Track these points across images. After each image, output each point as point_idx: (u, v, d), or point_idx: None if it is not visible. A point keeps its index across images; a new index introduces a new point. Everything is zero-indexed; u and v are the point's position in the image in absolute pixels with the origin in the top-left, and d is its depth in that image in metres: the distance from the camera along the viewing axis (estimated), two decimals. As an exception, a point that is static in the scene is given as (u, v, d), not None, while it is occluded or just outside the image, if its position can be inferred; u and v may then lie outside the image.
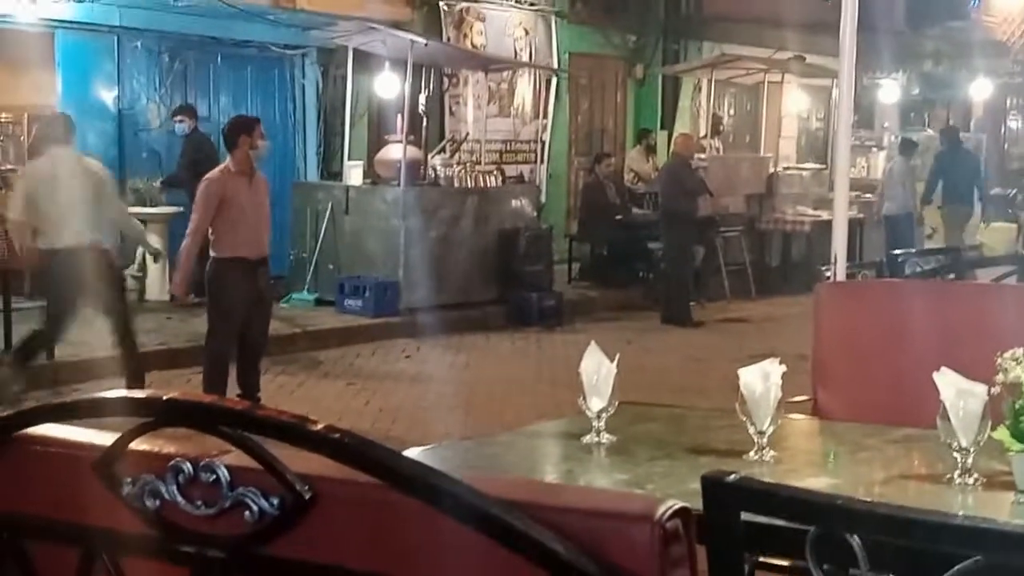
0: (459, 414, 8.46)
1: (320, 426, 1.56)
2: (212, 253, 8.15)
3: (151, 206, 12.57)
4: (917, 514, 1.37)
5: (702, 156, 14.90)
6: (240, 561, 1.65)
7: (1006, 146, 23.59)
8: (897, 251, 6.10)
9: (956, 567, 1.43)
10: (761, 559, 3.05)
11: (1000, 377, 2.80)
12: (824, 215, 15.07)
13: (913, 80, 22.79)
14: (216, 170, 8.29)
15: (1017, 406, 2.77)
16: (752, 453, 3.07)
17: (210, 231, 8.10)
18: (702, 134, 16.82)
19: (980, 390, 2.80)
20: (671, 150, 14.96)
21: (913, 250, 6.81)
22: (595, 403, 3.31)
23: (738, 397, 3.12)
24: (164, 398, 1.65)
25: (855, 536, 1.40)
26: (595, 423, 3.30)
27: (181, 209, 12.40)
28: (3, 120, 12.63)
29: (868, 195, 16.64)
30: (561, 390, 8.99)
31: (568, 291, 14.31)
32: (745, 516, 1.54)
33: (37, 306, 9.97)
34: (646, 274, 14.96)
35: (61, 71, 12.27)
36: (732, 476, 1.49)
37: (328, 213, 12.79)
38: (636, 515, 1.44)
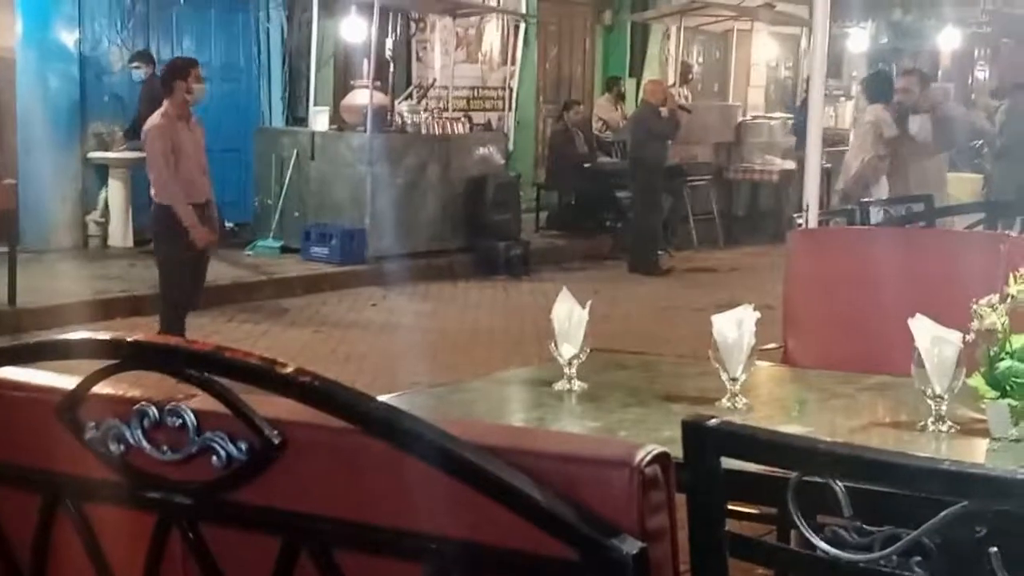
0: (426, 362, 8.42)
1: (289, 369, 1.52)
2: (158, 200, 7.94)
3: (114, 151, 12.41)
4: (902, 459, 1.34)
5: (684, 104, 14.76)
6: (207, 507, 1.61)
7: (973, 96, 23.60)
8: (868, 199, 6.09)
9: (942, 513, 1.40)
10: (731, 506, 3.03)
11: (975, 324, 2.78)
12: (792, 165, 15.06)
13: (882, 29, 22.76)
14: (156, 115, 7.98)
15: (992, 353, 2.76)
16: (724, 400, 3.05)
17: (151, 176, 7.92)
18: (671, 82, 16.72)
19: (955, 337, 2.79)
20: (640, 97, 14.88)
21: (884, 198, 6.82)
22: (566, 350, 3.27)
23: (711, 344, 3.09)
24: (129, 340, 1.61)
25: (838, 482, 1.37)
26: (566, 370, 3.27)
27: (144, 155, 12.26)
28: (-39, 62, 12.40)
29: (839, 147, 16.62)
30: (528, 339, 8.97)
31: (536, 240, 14.26)
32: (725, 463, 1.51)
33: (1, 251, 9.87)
34: (614, 223, 14.92)
35: (21, 12, 12.05)
36: (713, 420, 1.46)
37: (293, 159, 12.67)
38: (614, 460, 1.41)
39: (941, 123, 9.23)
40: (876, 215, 5.43)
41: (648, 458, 1.40)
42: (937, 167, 9.76)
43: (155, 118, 7.97)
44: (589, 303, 3.31)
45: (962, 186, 17.59)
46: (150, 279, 10.54)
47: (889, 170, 9.14)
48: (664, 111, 13.42)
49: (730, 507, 3.00)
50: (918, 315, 2.85)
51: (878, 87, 9.91)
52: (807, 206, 5.06)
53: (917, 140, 9.11)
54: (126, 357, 1.60)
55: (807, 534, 1.39)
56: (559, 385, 3.26)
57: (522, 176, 14.84)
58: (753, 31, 18.87)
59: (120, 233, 12.41)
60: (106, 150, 12.48)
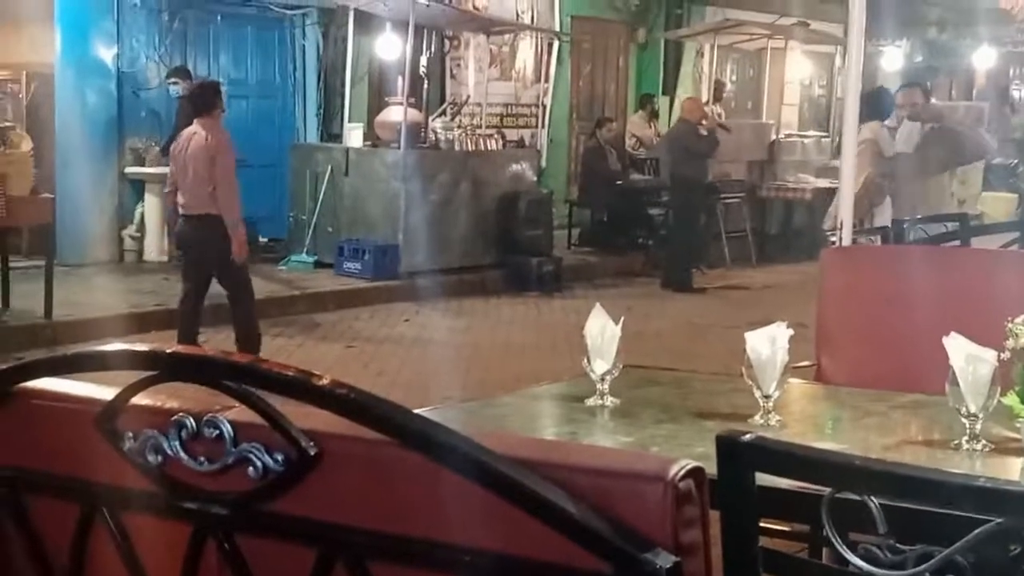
0: (458, 378, 8.44)
1: (325, 381, 1.53)
2: (207, 212, 8.11)
3: (150, 166, 12.50)
4: (937, 475, 1.34)
5: (724, 123, 14.76)
6: (243, 518, 1.62)
7: (1008, 111, 23.47)
8: (903, 218, 6.07)
9: (976, 531, 1.40)
10: (763, 524, 3.02)
11: (1010, 343, 2.76)
12: (825, 183, 15.00)
13: (916, 47, 22.68)
14: (215, 130, 8.23)
15: (1027, 372, 2.74)
16: (757, 417, 3.04)
17: (208, 189, 8.12)
18: (704, 100, 16.72)
19: (990, 355, 2.77)
20: (678, 115, 14.87)
21: (919, 216, 6.80)
22: (599, 365, 3.27)
23: (744, 361, 3.09)
24: (167, 351, 1.62)
25: (872, 498, 1.37)
26: (599, 385, 3.27)
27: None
28: (1, 78, 12.55)
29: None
30: (560, 355, 8.96)
31: (568, 256, 14.26)
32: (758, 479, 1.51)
33: (33, 264, 9.94)
34: (646, 240, 14.91)
35: (60, 28, 12.17)
36: (747, 436, 1.46)
37: (328, 175, 12.73)
38: (649, 474, 1.41)
39: (943, 139, 8.67)
40: (910, 233, 5.41)
41: (682, 472, 1.40)
42: (938, 186, 9.37)
43: (217, 133, 8.22)
44: (622, 319, 3.32)
45: (997, 205, 17.54)
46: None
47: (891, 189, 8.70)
48: (704, 129, 13.44)
49: (762, 524, 3.00)
50: (953, 333, 2.83)
51: (875, 104, 9.11)
52: (841, 223, 5.05)
53: (907, 151, 8.62)
54: (164, 368, 1.62)
55: (841, 550, 1.39)
56: (591, 401, 3.26)
57: (554, 193, 14.85)
58: (787, 49, 18.83)
59: (155, 247, 12.50)
60: (142, 165, 12.58)
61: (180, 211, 8.30)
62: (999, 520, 1.31)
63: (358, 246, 12.30)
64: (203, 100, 8.41)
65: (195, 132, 8.25)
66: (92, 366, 1.69)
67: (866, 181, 8.42)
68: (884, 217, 8.23)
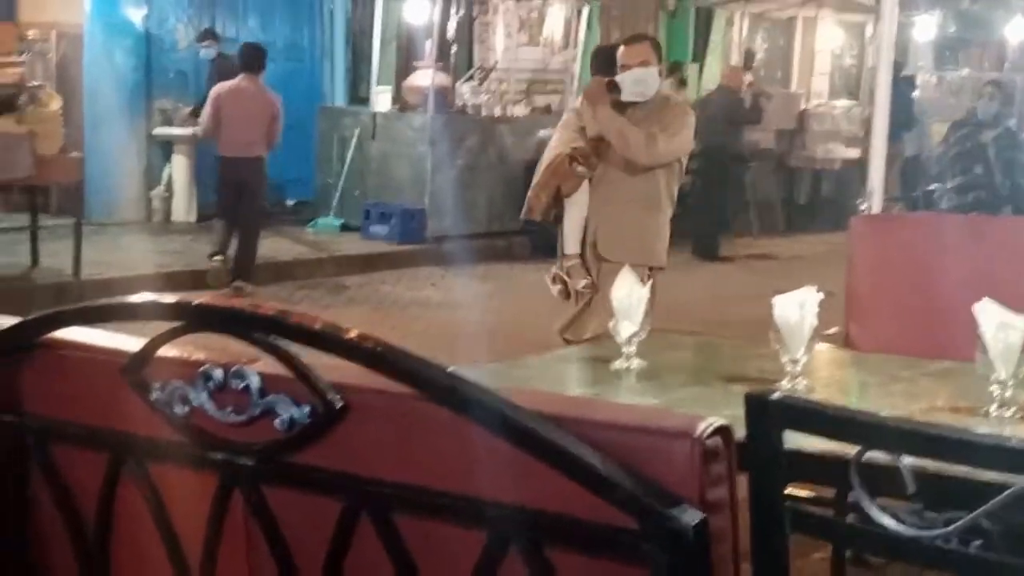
0: (484, 341, 8.43)
1: (353, 333, 1.52)
2: (254, 155, 9.77)
3: (178, 127, 12.51)
4: (968, 435, 1.32)
5: (766, 90, 14.66)
6: (270, 469, 1.62)
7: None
8: (933, 186, 6.04)
9: (1004, 494, 1.39)
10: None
11: (1042, 309, 2.74)
12: (855, 153, 14.90)
13: (949, 18, 22.43)
14: (261, 82, 9.94)
15: (1058, 339, 2.72)
16: (785, 382, 3.03)
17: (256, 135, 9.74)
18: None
19: (1020, 322, 2.75)
20: (718, 83, 14.79)
21: (950, 185, 6.82)
22: (626, 328, 3.27)
23: (772, 325, 3.07)
24: (195, 303, 1.62)
25: (903, 457, 1.36)
26: (625, 348, 3.26)
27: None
28: (31, 38, 12.55)
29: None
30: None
31: (594, 223, 14.22)
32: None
33: (62, 223, 9.98)
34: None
35: (89, -11, 12.18)
36: (777, 393, 1.45)
37: (355, 139, 12.72)
38: (676, 431, 1.41)
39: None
40: (941, 201, 5.37)
41: (710, 430, 1.39)
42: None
43: (265, 87, 9.95)
44: (650, 282, 3.31)
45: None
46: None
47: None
48: (746, 97, 13.43)
49: (787, 492, 2.99)
50: (984, 300, 2.81)
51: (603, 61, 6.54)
52: (871, 191, 5.02)
53: None
54: (192, 320, 1.62)
55: (869, 508, 1.38)
56: (618, 363, 3.25)
57: (582, 160, 14.76)
58: (818, 18, 18.66)
59: (183, 208, 12.53)
60: (171, 126, 12.59)
61: (225, 153, 9.78)
62: (1030, 481, 1.30)
63: (385, 210, 12.30)
64: (256, 59, 9.94)
65: (244, 86, 9.78)
66: (119, 316, 1.69)
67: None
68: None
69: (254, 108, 9.69)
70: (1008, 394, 2.77)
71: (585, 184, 5.76)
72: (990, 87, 10.01)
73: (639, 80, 5.66)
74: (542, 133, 13.77)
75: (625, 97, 5.66)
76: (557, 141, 5.93)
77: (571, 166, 5.74)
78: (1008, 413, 2.76)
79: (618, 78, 5.65)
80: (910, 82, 16.45)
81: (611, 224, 5.73)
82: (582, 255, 5.80)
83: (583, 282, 5.86)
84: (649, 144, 5.59)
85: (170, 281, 9.67)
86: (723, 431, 1.41)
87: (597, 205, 5.77)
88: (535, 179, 5.90)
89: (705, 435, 1.39)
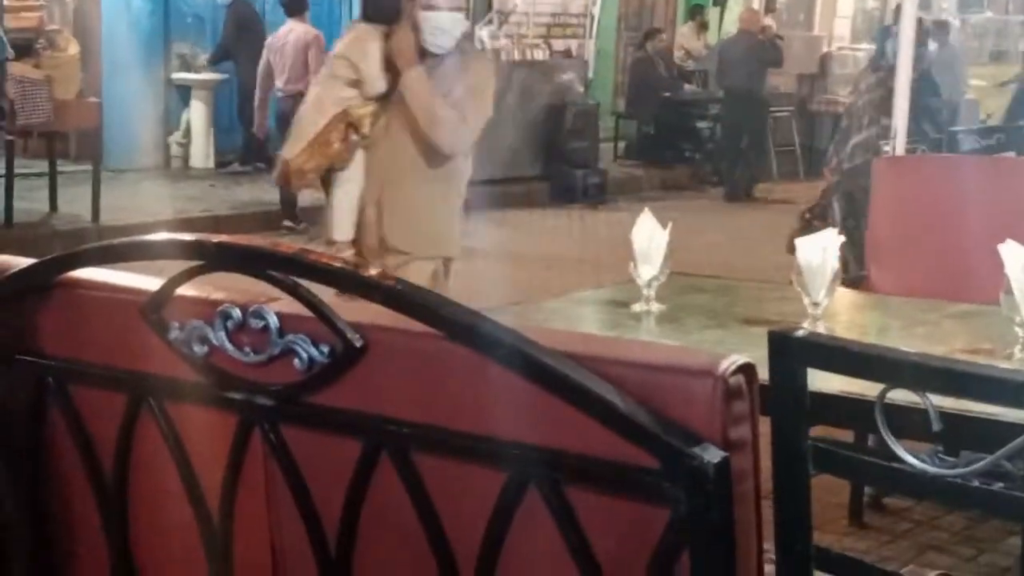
0: (503, 287, 8.43)
1: (373, 272, 1.51)
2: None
3: (197, 72, 12.48)
4: (997, 372, 1.31)
5: (778, 34, 14.61)
6: (289, 409, 1.61)
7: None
8: (957, 127, 5.97)
9: (1028, 432, 1.37)
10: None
11: (1068, 250, 2.71)
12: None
13: (975, -40, 22.17)
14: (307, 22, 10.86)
15: (1083, 280, 2.69)
16: (806, 324, 3.01)
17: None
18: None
19: (1046, 264, 2.72)
20: (737, 26, 14.71)
21: (975, 127, 6.64)
22: (645, 271, 3.25)
23: (794, 268, 3.05)
24: (214, 241, 1.61)
25: (928, 395, 1.34)
26: (645, 291, 3.25)
27: (227, 76, 12.31)
28: (49, -18, 12.51)
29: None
30: (604, 267, 8.91)
31: (613, 169, 14.17)
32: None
33: (81, 169, 9.99)
34: (693, 153, 14.78)
35: (107, -68, 12.11)
36: (800, 331, 1.43)
37: (374, 83, 12.65)
38: (698, 369, 1.39)
39: None
40: (965, 143, 5.32)
41: (732, 368, 1.38)
42: None
43: (311, 28, 10.69)
44: (670, 224, 3.28)
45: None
46: (230, 200, 10.65)
47: None
48: (764, 39, 13.41)
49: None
50: (1008, 241, 2.78)
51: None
52: (895, 133, 4.97)
53: None
54: (210, 259, 1.61)
55: (894, 446, 1.36)
56: (637, 307, 3.24)
57: (601, 105, 14.72)
58: (841, -40, 18.49)
59: (202, 154, 12.52)
60: (189, 71, 12.55)
61: (280, 92, 10.40)
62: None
63: (403, 155, 12.26)
64: (298, 2, 10.70)
65: (292, 28, 10.56)
66: (137, 255, 1.68)
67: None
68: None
69: (301, 47, 10.44)
70: (1033, 336, 2.75)
71: (360, 155, 4.65)
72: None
73: (442, 29, 4.53)
74: (561, 78, 13.73)
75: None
76: (325, 96, 4.66)
77: (347, 133, 4.58)
78: (1032, 355, 2.75)
79: (420, 18, 4.48)
80: (944, 27, 16.22)
81: (397, 206, 4.67)
82: (355, 242, 4.69)
83: None
84: (460, 129, 4.63)
85: (190, 227, 9.66)
86: (746, 369, 1.40)
87: (378, 182, 4.67)
88: (292, 139, 4.70)
89: (728, 373, 1.38)
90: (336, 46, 4.85)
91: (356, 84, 4.55)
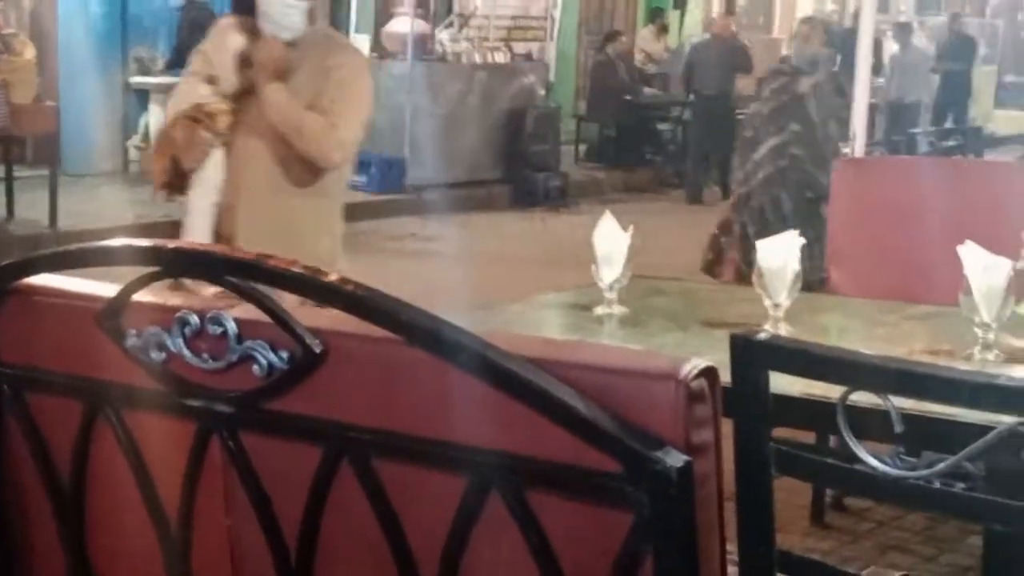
0: (465, 291, 8.41)
1: (332, 277, 1.50)
2: None
3: (155, 76, 12.39)
4: (957, 374, 1.31)
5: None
6: (248, 416, 1.60)
7: (1023, 33, 23.20)
8: (916, 129, 6.00)
9: (988, 435, 1.37)
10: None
11: (1026, 251, 2.73)
12: (835, 99, 14.86)
13: (931, -37, 22.37)
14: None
15: (1042, 281, 2.71)
16: (767, 326, 3.02)
17: None
18: (714, 14, 16.55)
19: (1005, 264, 2.74)
20: (710, 31, 14.88)
21: (932, 128, 6.66)
22: (607, 274, 3.25)
23: (755, 270, 3.06)
24: (170, 247, 1.59)
25: (889, 397, 1.34)
26: (607, 294, 3.25)
27: (185, 80, 12.21)
28: (3, -15, 12.40)
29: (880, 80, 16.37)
30: (566, 270, 8.89)
31: (574, 172, 14.19)
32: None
33: (38, 175, 9.90)
34: (654, 156, 14.82)
35: (63, -65, 12.01)
36: (762, 334, 1.43)
37: (334, 87, 12.61)
38: (660, 373, 1.39)
39: None
40: (923, 145, 5.35)
41: (695, 371, 1.37)
42: None
43: None
44: (631, 228, 3.28)
45: (1009, 123, 17.38)
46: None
47: None
48: (735, 45, 13.63)
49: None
50: (968, 242, 2.80)
51: None
52: (853, 135, 5.00)
53: None
54: (167, 264, 1.59)
55: (856, 448, 1.36)
56: (599, 309, 3.24)
57: (562, 108, 14.73)
58: (799, -37, 18.60)
59: (160, 159, 12.42)
60: (147, 75, 12.46)
61: None
62: (1018, 420, 1.28)
63: (363, 159, 12.20)
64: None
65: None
66: (94, 261, 1.67)
67: None
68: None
69: None
70: (991, 337, 2.77)
71: (218, 158, 4.21)
72: (805, 25, 8.55)
73: (288, 4, 4.14)
74: (522, 81, 13.73)
75: (265, 33, 4.17)
76: (181, 93, 4.33)
77: (195, 131, 4.14)
78: (991, 356, 2.76)
79: (263, 2, 4.14)
80: (906, 29, 16.35)
81: (255, 218, 4.19)
82: None
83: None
84: (331, 138, 4.16)
85: (148, 232, 9.58)
86: (708, 373, 1.39)
87: (235, 187, 4.21)
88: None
89: (690, 377, 1.37)
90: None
91: (213, 80, 4.18)
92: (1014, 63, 20.71)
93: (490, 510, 1.45)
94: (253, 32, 4.16)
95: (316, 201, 4.28)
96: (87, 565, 1.78)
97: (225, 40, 4.20)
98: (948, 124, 12.85)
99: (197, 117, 4.11)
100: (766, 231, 5.78)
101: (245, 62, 4.13)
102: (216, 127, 4.13)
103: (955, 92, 15.41)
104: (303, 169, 4.19)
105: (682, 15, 17.95)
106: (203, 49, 4.28)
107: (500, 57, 13.77)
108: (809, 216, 4.97)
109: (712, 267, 6.85)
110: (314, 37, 4.25)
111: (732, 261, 6.27)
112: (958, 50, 16.24)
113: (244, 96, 4.16)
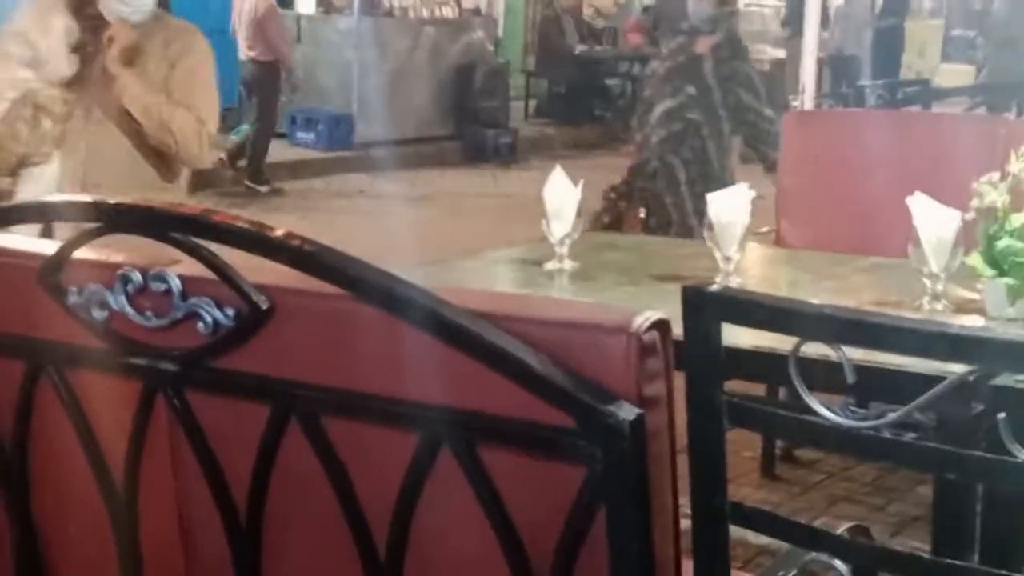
0: (414, 248, 8.36)
1: (279, 232, 1.47)
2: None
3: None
4: (909, 323, 1.30)
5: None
6: (193, 374, 1.57)
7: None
8: (864, 82, 6.02)
9: (938, 385, 1.37)
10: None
11: (975, 202, 2.74)
12: (782, 54, 14.90)
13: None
14: None
15: (991, 231, 2.72)
16: (718, 279, 3.02)
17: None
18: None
19: (954, 215, 2.75)
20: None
21: (881, 81, 6.69)
22: (558, 228, 3.23)
23: (705, 223, 3.06)
24: (111, 202, 1.55)
25: (842, 348, 1.34)
26: (558, 249, 3.23)
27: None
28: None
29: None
30: (517, 225, 8.90)
31: (524, 128, 14.15)
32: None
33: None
34: (603, 112, 14.80)
35: None
36: (714, 286, 1.42)
37: (280, 43, 12.47)
38: (612, 326, 1.37)
39: None
40: (871, 98, 5.37)
41: (646, 324, 1.36)
42: None
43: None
44: (581, 182, 3.27)
45: (954, 77, 17.47)
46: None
47: None
48: None
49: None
50: (917, 193, 2.80)
51: None
52: (803, 88, 5.00)
53: None
54: (108, 220, 1.55)
55: (808, 399, 1.36)
56: (550, 265, 3.22)
57: (511, 63, 14.67)
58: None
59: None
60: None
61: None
62: (969, 369, 1.28)
63: (311, 116, 12.13)
64: None
65: None
66: (35, 217, 1.63)
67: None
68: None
69: (245, 10, 11.16)
70: (940, 288, 2.78)
71: (55, 153, 3.74)
72: None
73: None
74: (471, 36, 13.65)
75: (109, 15, 3.68)
76: None
77: (33, 118, 3.68)
78: (940, 306, 2.77)
79: None
80: None
81: None
82: None
83: None
84: (203, 135, 3.84)
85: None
86: (660, 325, 1.38)
87: (79, 187, 3.67)
88: None
89: (642, 330, 1.36)
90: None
91: (35, 64, 3.69)
92: (961, 17, 20.81)
93: (442, 467, 1.43)
94: (80, 13, 3.70)
95: (171, 197, 3.76)
96: (32, 528, 1.75)
97: (49, 20, 3.71)
98: (884, 79, 12.95)
99: (39, 104, 3.66)
100: (659, 200, 5.69)
101: (79, 47, 3.70)
102: (56, 111, 3.68)
103: (888, 46, 15.52)
104: (158, 163, 3.81)
105: (630, -31, 17.87)
106: (19, 30, 3.73)
107: (448, 12, 13.67)
108: (705, 186, 4.58)
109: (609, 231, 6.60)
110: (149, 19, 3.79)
111: (633, 227, 6.06)
112: (893, 4, 16.32)
113: (76, 84, 3.71)
